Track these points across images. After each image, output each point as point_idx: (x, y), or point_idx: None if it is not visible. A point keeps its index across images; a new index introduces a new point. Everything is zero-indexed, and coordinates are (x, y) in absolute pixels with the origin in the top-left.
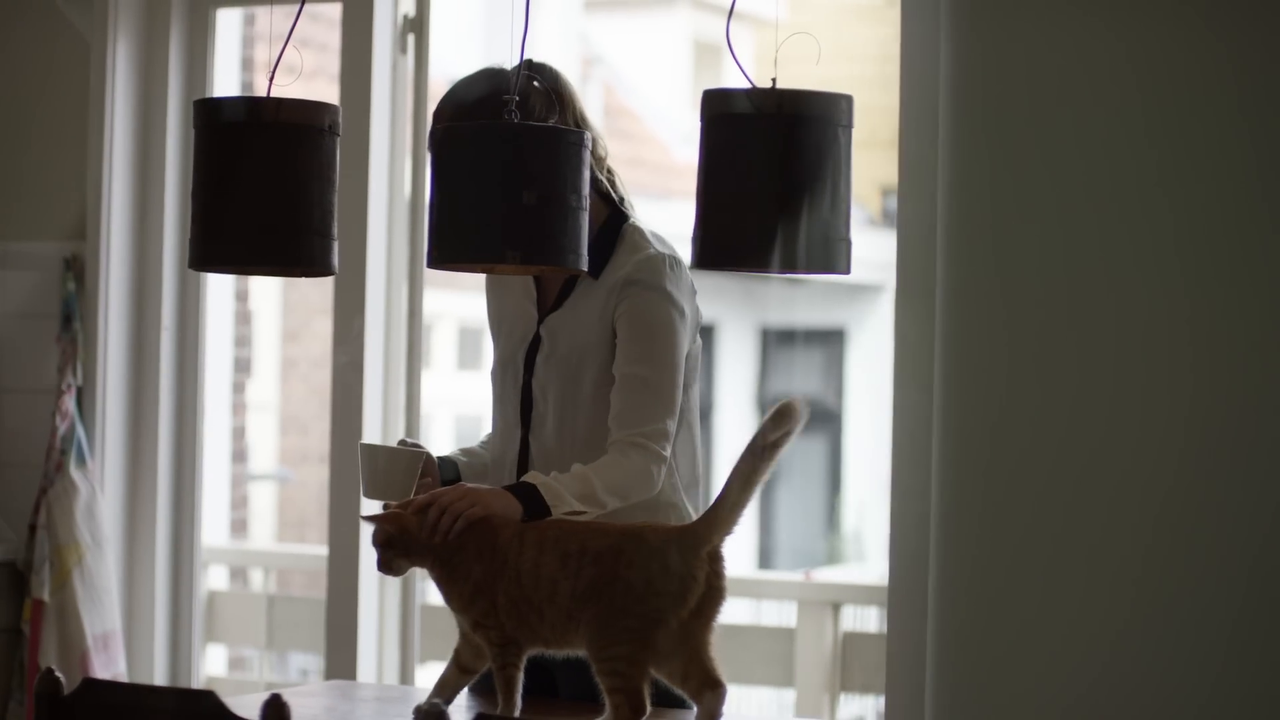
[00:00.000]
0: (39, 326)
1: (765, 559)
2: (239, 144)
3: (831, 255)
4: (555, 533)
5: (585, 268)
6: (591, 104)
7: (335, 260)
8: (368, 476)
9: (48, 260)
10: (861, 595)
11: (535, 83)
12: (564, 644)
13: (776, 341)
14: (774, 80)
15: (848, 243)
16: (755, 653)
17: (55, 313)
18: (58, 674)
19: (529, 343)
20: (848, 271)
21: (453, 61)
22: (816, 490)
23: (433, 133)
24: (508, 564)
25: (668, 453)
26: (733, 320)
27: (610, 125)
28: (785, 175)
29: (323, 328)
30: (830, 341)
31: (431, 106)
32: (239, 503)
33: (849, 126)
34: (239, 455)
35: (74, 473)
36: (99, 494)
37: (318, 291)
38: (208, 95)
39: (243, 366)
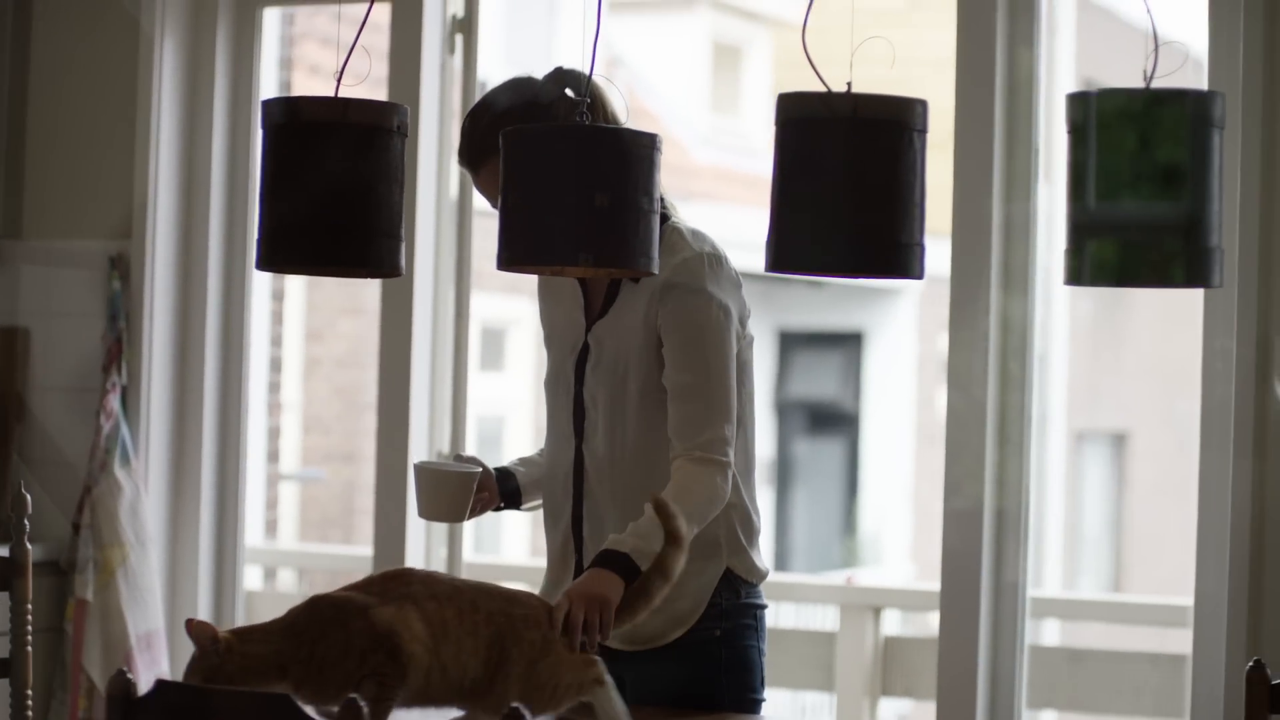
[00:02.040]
0: (84, 325)
1: (781, 561)
2: (307, 144)
3: (905, 260)
4: (449, 608)
5: (656, 270)
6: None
7: (402, 261)
8: (422, 498)
9: (93, 259)
10: (903, 599)
11: (568, 89)
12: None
13: (795, 344)
14: (849, 84)
15: (921, 247)
16: (795, 657)
17: (100, 311)
18: (130, 675)
19: (578, 352)
20: (920, 276)
21: (499, 63)
22: (833, 493)
23: (503, 135)
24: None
25: (730, 458)
26: (751, 323)
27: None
28: (859, 179)
29: (346, 328)
30: (848, 344)
31: None
32: (271, 503)
33: (924, 131)
34: (272, 455)
35: (118, 472)
36: (143, 493)
37: (342, 291)
38: (253, 95)
39: (276, 366)
